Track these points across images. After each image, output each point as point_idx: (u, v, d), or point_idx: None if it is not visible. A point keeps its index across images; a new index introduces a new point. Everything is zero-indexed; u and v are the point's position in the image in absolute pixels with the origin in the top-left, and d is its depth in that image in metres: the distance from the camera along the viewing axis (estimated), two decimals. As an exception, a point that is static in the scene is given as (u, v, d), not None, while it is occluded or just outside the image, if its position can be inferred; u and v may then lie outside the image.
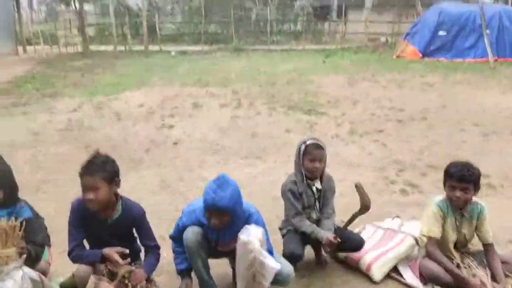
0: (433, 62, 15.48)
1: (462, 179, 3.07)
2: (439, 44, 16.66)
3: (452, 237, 3.22)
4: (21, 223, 2.59)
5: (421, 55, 16.65)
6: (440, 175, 5.43)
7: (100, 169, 2.63)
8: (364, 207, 3.03)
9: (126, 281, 2.61)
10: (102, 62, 15.93)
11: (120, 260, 2.55)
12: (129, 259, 2.64)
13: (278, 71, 13.66)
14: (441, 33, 16.66)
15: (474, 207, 3.22)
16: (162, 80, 12.12)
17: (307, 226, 3.28)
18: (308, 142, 3.33)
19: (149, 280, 2.80)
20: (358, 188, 3.02)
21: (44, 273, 2.95)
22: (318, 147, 3.31)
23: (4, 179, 2.77)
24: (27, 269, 2.51)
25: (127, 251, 2.63)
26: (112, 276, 2.67)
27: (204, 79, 12.25)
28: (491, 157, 6.19)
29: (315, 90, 10.77)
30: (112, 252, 2.59)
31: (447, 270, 3.06)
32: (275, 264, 2.35)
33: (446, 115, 8.48)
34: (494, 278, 3.02)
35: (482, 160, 6.11)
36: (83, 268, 2.64)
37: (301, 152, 3.33)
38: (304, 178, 3.34)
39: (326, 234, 3.22)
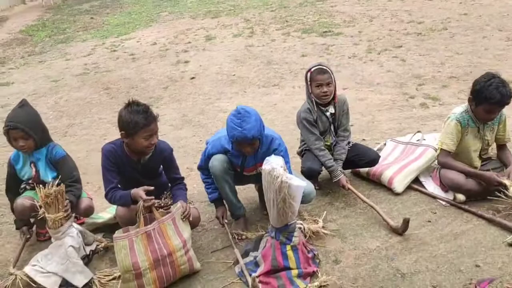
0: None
1: (504, 104, 2.99)
2: None
3: (475, 145, 3.22)
4: (65, 184, 2.77)
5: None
6: (462, 85, 5.43)
7: (155, 115, 2.77)
8: (394, 229, 2.94)
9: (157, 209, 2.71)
10: (109, 2, 15.56)
11: (144, 196, 2.64)
12: (153, 197, 2.72)
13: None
14: None
15: None
16: (172, 15, 11.86)
17: (325, 159, 3.32)
18: (312, 69, 3.26)
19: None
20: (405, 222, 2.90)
21: (90, 207, 3.14)
22: (322, 71, 3.22)
23: (35, 123, 2.96)
24: (75, 225, 2.90)
25: (152, 188, 2.71)
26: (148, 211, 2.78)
27: (214, 9, 11.92)
28: (514, 62, 6.01)
29: (329, 9, 10.39)
30: (138, 191, 2.69)
31: (462, 172, 3.10)
32: (301, 182, 2.43)
33: (468, 22, 8.12)
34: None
35: (505, 66, 5.96)
36: (121, 209, 2.81)
37: (308, 79, 3.28)
38: (315, 105, 3.32)
39: (340, 177, 3.29)
